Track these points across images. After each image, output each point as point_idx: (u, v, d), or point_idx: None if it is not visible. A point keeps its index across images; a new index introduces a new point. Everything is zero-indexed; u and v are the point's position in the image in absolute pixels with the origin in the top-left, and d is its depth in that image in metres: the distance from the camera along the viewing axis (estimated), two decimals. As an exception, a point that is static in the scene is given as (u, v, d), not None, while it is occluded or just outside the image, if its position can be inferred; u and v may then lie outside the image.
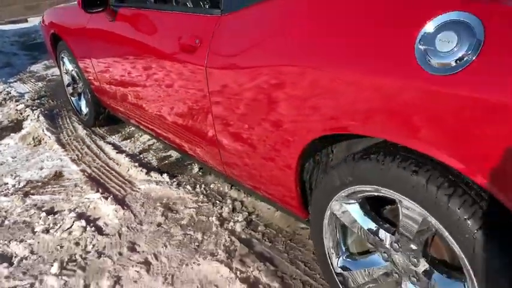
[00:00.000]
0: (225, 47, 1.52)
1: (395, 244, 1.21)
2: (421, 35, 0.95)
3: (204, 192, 2.27)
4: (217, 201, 2.18)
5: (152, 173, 2.48)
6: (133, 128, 3.16)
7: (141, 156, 2.78)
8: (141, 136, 3.06)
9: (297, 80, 1.23)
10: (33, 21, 8.78)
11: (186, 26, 1.76)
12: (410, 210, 1.10)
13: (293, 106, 1.28)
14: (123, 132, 3.18)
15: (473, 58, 0.87)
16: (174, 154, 2.73)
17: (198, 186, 2.33)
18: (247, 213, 2.07)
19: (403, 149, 1.09)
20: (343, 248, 1.41)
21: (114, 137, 3.13)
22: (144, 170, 2.51)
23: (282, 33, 1.30)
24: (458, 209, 0.98)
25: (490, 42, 0.86)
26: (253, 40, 1.41)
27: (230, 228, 1.96)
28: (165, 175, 2.45)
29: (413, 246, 1.16)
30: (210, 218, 2.04)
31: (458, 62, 0.89)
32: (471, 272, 1.00)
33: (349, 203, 1.28)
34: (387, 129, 1.05)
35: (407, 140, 1.02)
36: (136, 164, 2.59)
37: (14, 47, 6.94)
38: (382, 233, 1.25)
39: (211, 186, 2.33)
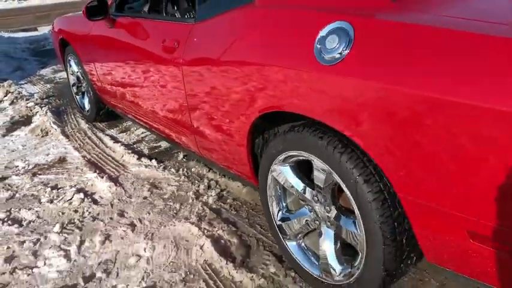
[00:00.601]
0: (194, 48, 1.93)
1: (315, 197, 1.60)
2: (317, 38, 1.35)
3: (186, 174, 2.67)
4: (196, 181, 2.57)
5: (143, 159, 2.88)
6: (129, 123, 3.57)
7: (135, 145, 3.19)
8: (136, 129, 3.46)
9: (242, 75, 1.64)
10: (43, 29, 9.28)
11: (169, 32, 2.17)
12: (319, 167, 1.50)
13: (241, 94, 1.68)
14: (120, 126, 3.59)
15: (347, 52, 1.27)
16: (164, 144, 3.13)
17: (181, 169, 2.72)
18: (219, 189, 2.46)
19: (316, 122, 1.49)
20: (283, 205, 1.80)
21: (112, 130, 3.54)
22: (136, 156, 2.91)
23: (233, 38, 1.72)
24: (346, 162, 1.37)
25: (358, 42, 1.26)
26: (213, 42, 1.83)
27: (204, 200, 2.35)
28: (153, 160, 2.84)
29: (325, 197, 1.55)
30: (188, 193, 2.43)
31: (339, 55, 1.29)
32: (356, 209, 1.39)
33: (284, 166, 1.67)
34: (300, 107, 1.45)
35: (312, 113, 1.42)
36: (130, 152, 2.99)
37: (25, 53, 7.40)
38: (307, 190, 1.64)
39: (193, 169, 2.72)
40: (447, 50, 1.10)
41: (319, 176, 1.52)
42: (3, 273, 1.93)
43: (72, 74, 3.73)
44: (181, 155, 2.93)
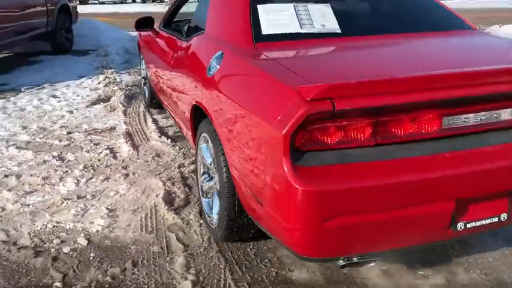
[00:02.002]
0: (178, 56, 2.81)
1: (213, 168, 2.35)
2: (210, 61, 2.13)
3: (184, 152, 3.54)
4: (187, 158, 3.42)
5: (162, 137, 3.82)
6: (173, 113, 4.56)
7: (165, 128, 4.16)
8: (174, 118, 4.44)
9: (185, 78, 2.47)
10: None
11: (176, 45, 3.08)
12: (209, 143, 2.25)
13: (185, 90, 2.51)
14: (166, 114, 4.61)
15: (218, 67, 2.03)
16: (185, 131, 4.05)
17: (183, 149, 3.60)
18: (198, 166, 3.28)
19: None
20: (205, 171, 2.56)
21: (159, 115, 4.57)
22: (159, 135, 3.87)
23: (186, 55, 2.56)
24: (216, 143, 2.11)
25: (223, 64, 2.02)
26: (183, 54, 2.68)
27: (181, 170, 3.19)
28: (169, 140, 3.77)
29: (213, 166, 2.29)
30: (175, 164, 3.29)
31: (214, 70, 2.06)
32: (217, 174, 2.12)
33: (204, 143, 2.45)
34: (202, 103, 2.23)
35: (203, 106, 2.19)
36: (157, 131, 3.97)
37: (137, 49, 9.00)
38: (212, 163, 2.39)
39: (192, 151, 3.58)
40: (255, 82, 1.81)
41: (210, 151, 2.27)
42: (37, 184, 2.98)
43: (143, 70, 4.86)
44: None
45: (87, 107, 4.85)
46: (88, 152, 3.54)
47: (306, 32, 2.12)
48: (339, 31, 2.14)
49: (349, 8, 2.48)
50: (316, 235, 1.55)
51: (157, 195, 2.80)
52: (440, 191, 1.59)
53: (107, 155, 3.46)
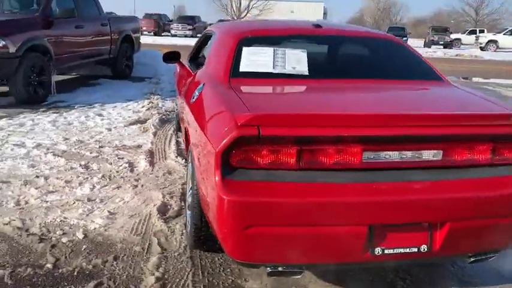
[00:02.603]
0: (186, 86, 3.22)
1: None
2: (195, 91, 2.51)
3: (193, 172, 3.91)
4: (194, 177, 3.79)
5: (178, 157, 4.24)
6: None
7: (184, 150, 4.57)
8: (196, 143, 4.87)
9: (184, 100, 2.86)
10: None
11: (188, 77, 3.51)
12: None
13: (184, 115, 2.90)
14: (190, 139, 5.05)
15: (197, 95, 2.40)
16: (201, 154, 4.45)
17: (194, 169, 3.98)
18: (200, 185, 3.64)
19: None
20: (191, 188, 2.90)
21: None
22: (176, 155, 4.29)
23: (188, 83, 2.96)
24: (191, 157, 2.46)
25: (201, 92, 2.39)
26: (190, 83, 3.09)
27: (184, 186, 3.55)
28: (183, 160, 4.17)
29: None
30: (180, 181, 3.67)
31: (194, 98, 2.43)
32: (190, 183, 2.46)
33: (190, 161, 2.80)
34: (186, 127, 2.60)
35: (186, 128, 2.56)
36: (176, 152, 4.39)
37: (190, 81, 9.71)
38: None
39: (200, 172, 3.95)
40: (213, 109, 2.16)
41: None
42: (60, 186, 3.47)
43: (176, 98, 5.37)
44: (204, 163, 4.19)
45: (124, 126, 5.41)
46: (111, 164, 4.01)
47: (276, 72, 2.45)
48: (307, 73, 2.45)
49: (323, 55, 2.79)
50: (240, 241, 1.83)
51: (154, 205, 3.17)
52: (352, 216, 1.81)
53: (125, 168, 3.92)
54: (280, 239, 1.82)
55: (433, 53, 24.30)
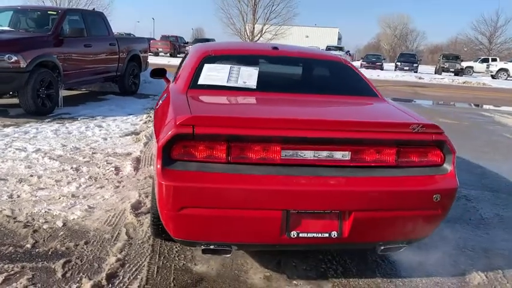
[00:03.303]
0: (162, 95, 3.65)
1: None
2: (159, 99, 2.93)
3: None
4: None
5: (162, 164, 4.64)
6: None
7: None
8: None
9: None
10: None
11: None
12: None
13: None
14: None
15: (160, 103, 2.82)
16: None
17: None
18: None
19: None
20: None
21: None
22: (160, 162, 4.69)
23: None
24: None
25: (163, 100, 2.80)
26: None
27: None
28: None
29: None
30: (159, 184, 4.06)
31: (157, 105, 2.84)
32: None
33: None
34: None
35: (153, 132, 2.96)
36: (161, 160, 4.80)
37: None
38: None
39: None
40: (165, 112, 2.57)
41: (154, 165, 3.02)
42: (50, 184, 3.89)
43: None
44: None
45: (120, 136, 5.86)
46: (99, 167, 4.44)
47: (229, 85, 2.86)
48: (254, 87, 2.85)
49: (274, 72, 3.19)
50: (176, 220, 2.21)
51: (129, 202, 3.56)
52: (270, 202, 2.18)
53: (111, 171, 4.34)
54: (209, 220, 2.19)
55: (441, 80, 24.58)
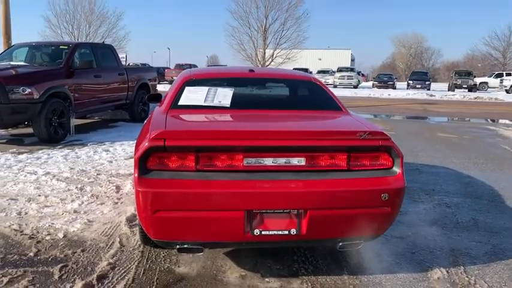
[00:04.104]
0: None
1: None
2: (145, 121, 3.28)
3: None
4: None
5: (160, 182, 4.98)
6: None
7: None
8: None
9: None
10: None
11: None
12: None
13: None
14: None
15: (145, 121, 3.17)
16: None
17: (170, 191, 4.71)
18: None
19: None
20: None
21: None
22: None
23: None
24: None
25: (148, 118, 3.16)
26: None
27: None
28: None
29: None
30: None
31: (144, 122, 3.20)
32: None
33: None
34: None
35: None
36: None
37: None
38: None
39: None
40: (146, 129, 2.91)
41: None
42: (55, 202, 4.26)
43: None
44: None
45: (125, 159, 6.25)
46: (101, 187, 4.80)
47: (205, 104, 3.20)
48: (228, 106, 3.18)
49: (249, 92, 3.53)
50: (152, 222, 2.52)
51: (125, 216, 3.90)
52: (233, 203, 2.48)
53: (112, 190, 4.69)
54: (181, 221, 2.50)
55: (452, 96, 24.66)
